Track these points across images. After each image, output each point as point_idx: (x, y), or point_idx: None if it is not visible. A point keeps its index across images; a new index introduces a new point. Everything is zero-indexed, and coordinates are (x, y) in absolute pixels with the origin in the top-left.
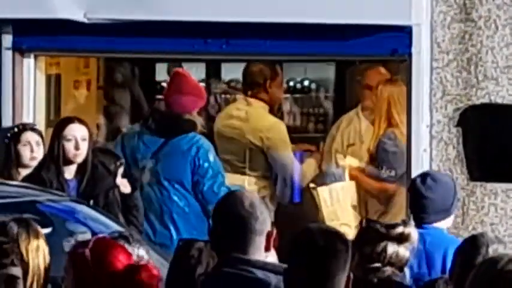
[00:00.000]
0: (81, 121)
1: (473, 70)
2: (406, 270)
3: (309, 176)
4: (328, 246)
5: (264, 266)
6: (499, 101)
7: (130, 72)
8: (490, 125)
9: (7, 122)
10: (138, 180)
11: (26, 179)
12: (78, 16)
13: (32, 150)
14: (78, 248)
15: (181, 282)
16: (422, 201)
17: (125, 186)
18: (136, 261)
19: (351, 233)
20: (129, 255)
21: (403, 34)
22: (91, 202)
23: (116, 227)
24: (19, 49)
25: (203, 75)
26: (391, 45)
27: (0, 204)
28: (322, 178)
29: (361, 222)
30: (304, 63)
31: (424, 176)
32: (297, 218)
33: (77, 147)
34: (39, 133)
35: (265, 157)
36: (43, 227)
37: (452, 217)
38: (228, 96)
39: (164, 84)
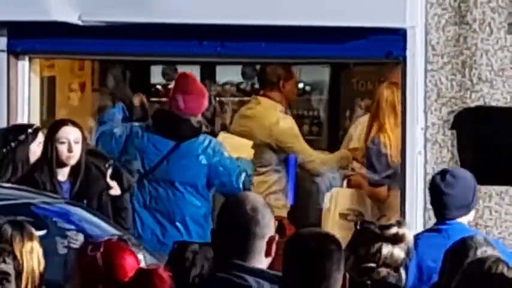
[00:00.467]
0: (74, 123)
1: (467, 73)
2: (402, 271)
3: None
4: (320, 248)
5: (260, 274)
6: (494, 103)
7: (125, 74)
8: (484, 128)
9: (2, 124)
10: (131, 181)
11: (19, 180)
12: (73, 19)
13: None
14: (87, 250)
15: (176, 285)
16: (443, 197)
17: (114, 188)
18: (149, 266)
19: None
20: (137, 259)
21: (397, 37)
22: (89, 202)
23: (111, 229)
24: (14, 51)
25: (198, 78)
26: (385, 47)
27: None
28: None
29: (356, 224)
30: (299, 66)
31: (443, 173)
32: None
33: (70, 150)
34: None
35: (275, 152)
36: (38, 229)
37: (473, 212)
38: (223, 98)
39: (159, 87)
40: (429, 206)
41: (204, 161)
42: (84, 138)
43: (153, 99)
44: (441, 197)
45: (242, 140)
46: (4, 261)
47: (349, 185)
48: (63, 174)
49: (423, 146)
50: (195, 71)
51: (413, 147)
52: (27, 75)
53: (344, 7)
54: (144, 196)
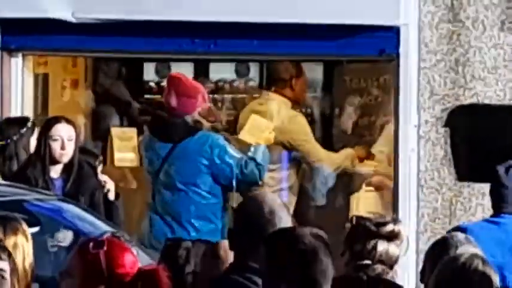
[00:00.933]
0: (68, 121)
1: (461, 70)
2: (397, 268)
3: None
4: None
5: None
6: (487, 101)
7: (118, 71)
8: (477, 125)
9: None
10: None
11: (11, 177)
12: (66, 16)
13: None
14: (88, 247)
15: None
16: (503, 190)
17: (107, 182)
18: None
19: None
20: (136, 258)
21: (390, 34)
22: (82, 200)
23: (104, 226)
24: (7, 48)
25: (191, 75)
26: (378, 45)
27: None
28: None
29: (351, 220)
30: (292, 63)
31: (508, 166)
32: None
33: (63, 147)
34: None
35: (286, 149)
36: (30, 226)
37: None
38: (216, 96)
39: (152, 84)
40: (422, 203)
41: (202, 159)
42: (77, 136)
43: (147, 96)
44: (501, 190)
45: (262, 121)
46: (0, 258)
47: (370, 185)
48: (55, 171)
49: (416, 144)
50: (188, 69)
51: (406, 144)
52: (21, 72)
53: (337, 5)
54: (155, 201)
